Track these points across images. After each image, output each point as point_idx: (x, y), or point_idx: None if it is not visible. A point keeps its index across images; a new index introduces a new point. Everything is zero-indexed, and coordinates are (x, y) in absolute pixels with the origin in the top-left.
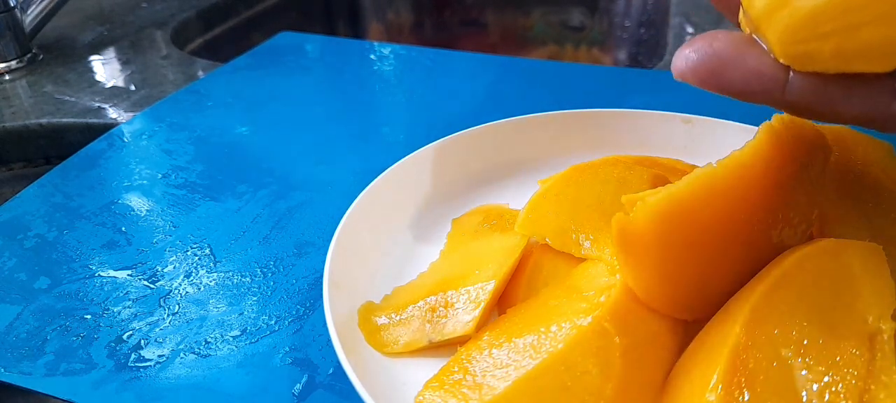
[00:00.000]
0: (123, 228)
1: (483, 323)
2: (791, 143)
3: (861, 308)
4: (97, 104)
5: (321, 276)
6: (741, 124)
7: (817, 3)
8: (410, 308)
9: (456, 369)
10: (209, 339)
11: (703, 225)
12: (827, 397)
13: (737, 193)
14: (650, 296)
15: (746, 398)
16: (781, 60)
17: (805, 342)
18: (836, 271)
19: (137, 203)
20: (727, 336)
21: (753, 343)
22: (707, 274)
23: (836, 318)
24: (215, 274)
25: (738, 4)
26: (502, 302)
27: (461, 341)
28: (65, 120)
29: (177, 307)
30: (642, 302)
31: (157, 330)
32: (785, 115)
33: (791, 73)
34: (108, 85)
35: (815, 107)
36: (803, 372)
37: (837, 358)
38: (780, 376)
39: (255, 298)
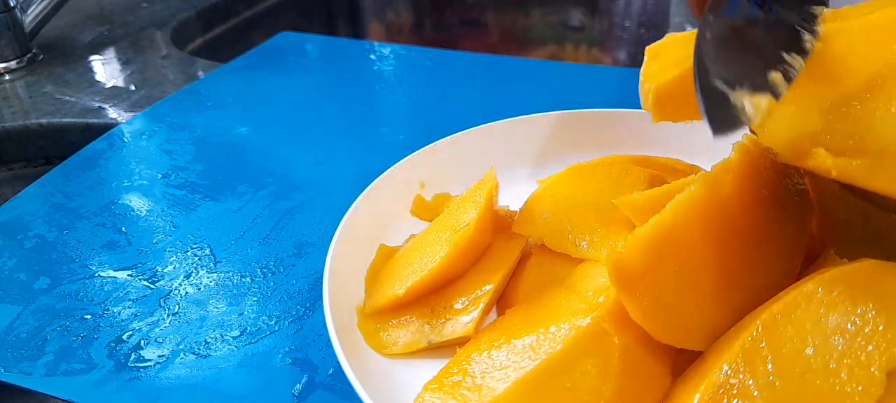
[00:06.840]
0: (123, 228)
1: (482, 324)
2: (763, 157)
3: (889, 337)
4: (97, 104)
5: (321, 276)
6: None
7: None
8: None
9: (455, 370)
10: (209, 339)
11: (691, 248)
12: None
13: (717, 212)
14: (655, 328)
15: None
16: None
17: (808, 364)
18: (873, 293)
19: (137, 203)
20: (731, 344)
21: (751, 354)
22: (707, 298)
23: (851, 344)
24: (215, 275)
25: None
26: (502, 303)
27: (460, 342)
28: (65, 120)
29: (177, 307)
30: (650, 335)
31: (157, 330)
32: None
33: None
34: (108, 85)
35: None
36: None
37: (846, 389)
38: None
39: (255, 298)
